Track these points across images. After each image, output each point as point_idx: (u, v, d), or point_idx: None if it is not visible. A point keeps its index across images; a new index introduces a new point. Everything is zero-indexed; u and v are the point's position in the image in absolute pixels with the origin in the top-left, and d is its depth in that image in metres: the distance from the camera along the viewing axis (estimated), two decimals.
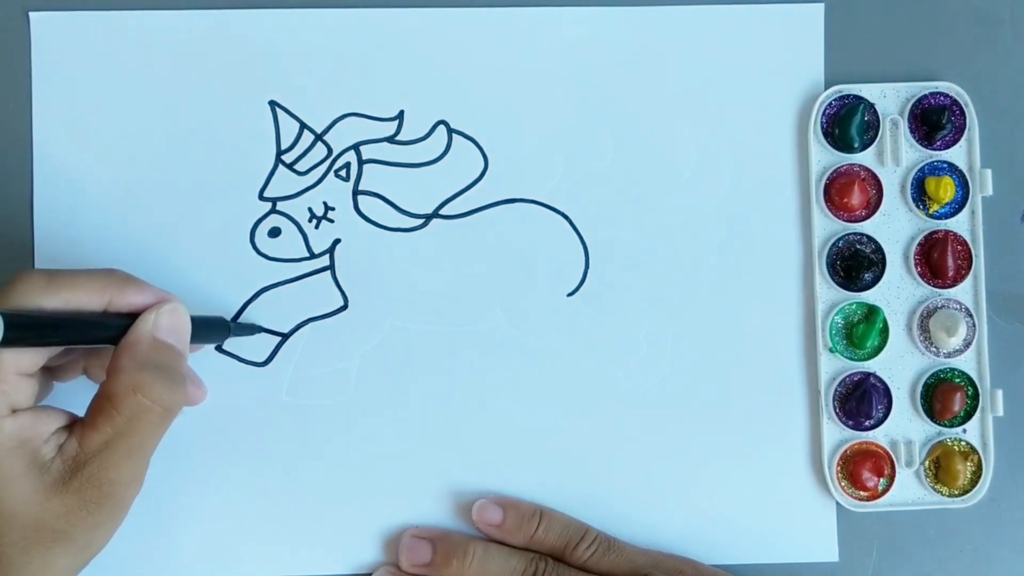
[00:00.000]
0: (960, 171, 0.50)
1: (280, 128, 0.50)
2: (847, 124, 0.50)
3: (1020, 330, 0.51)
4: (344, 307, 0.50)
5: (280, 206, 0.50)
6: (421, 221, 0.50)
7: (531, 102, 0.50)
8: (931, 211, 0.50)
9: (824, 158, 0.51)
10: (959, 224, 0.51)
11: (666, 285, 0.50)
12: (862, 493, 0.50)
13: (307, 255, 0.50)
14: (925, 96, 0.51)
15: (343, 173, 0.50)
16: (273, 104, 0.50)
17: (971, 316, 0.50)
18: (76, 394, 0.45)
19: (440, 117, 0.50)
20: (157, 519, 0.49)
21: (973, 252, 0.50)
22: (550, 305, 0.50)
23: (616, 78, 0.50)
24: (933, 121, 0.50)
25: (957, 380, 0.50)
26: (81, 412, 0.42)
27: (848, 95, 0.51)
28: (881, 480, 0.50)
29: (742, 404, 0.50)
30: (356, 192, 0.50)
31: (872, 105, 0.50)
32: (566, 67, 0.50)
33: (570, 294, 0.50)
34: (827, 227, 0.50)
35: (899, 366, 0.50)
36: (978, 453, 0.50)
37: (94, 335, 0.41)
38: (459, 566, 0.47)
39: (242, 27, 0.50)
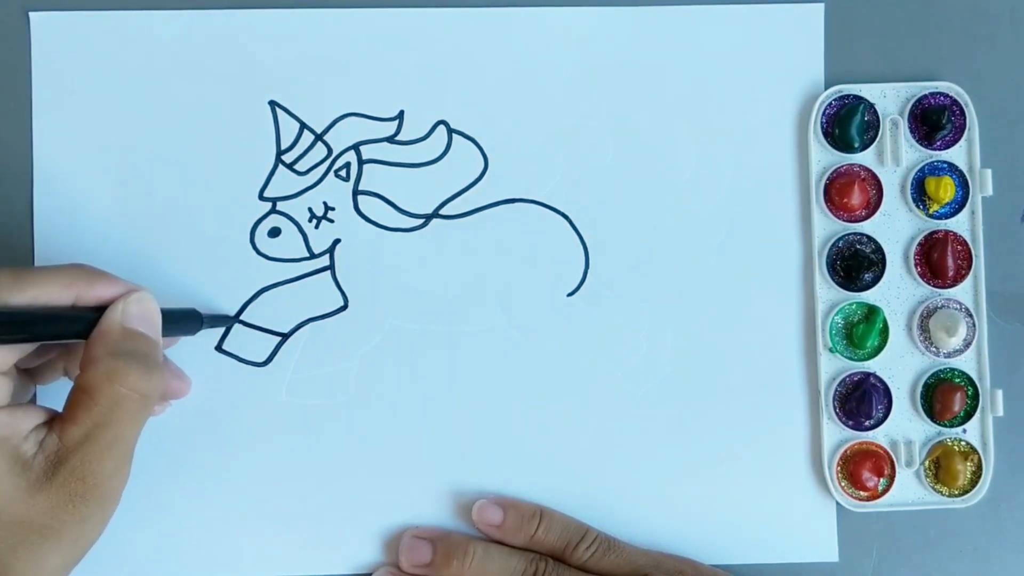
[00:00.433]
0: (960, 171, 0.50)
1: (280, 128, 0.50)
2: (847, 124, 0.50)
3: (1020, 330, 0.51)
4: (344, 307, 0.50)
5: (280, 206, 0.50)
6: (421, 221, 0.50)
7: (531, 102, 0.50)
8: (931, 211, 0.50)
9: (824, 158, 0.51)
10: (959, 224, 0.51)
11: (666, 285, 0.50)
12: (862, 493, 0.50)
13: (307, 255, 0.50)
14: (925, 96, 0.51)
15: (343, 173, 0.50)
16: (273, 104, 0.50)
17: (971, 316, 0.50)
18: (58, 396, 0.44)
19: (440, 117, 0.50)
20: (156, 519, 0.49)
21: (973, 252, 0.50)
22: (550, 305, 0.50)
23: (616, 78, 0.50)
24: (933, 121, 0.50)
25: (957, 380, 0.50)
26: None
27: (848, 95, 0.51)
28: (881, 480, 0.50)
29: (742, 404, 0.50)
30: (356, 192, 0.50)
31: (872, 105, 0.50)
32: (566, 67, 0.50)
33: (570, 294, 0.50)
34: (827, 227, 0.50)
35: (899, 366, 0.50)
36: (978, 453, 0.50)
37: (64, 330, 0.41)
38: (459, 566, 0.47)
39: (242, 27, 0.50)
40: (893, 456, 0.50)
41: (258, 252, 0.50)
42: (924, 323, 0.50)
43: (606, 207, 0.50)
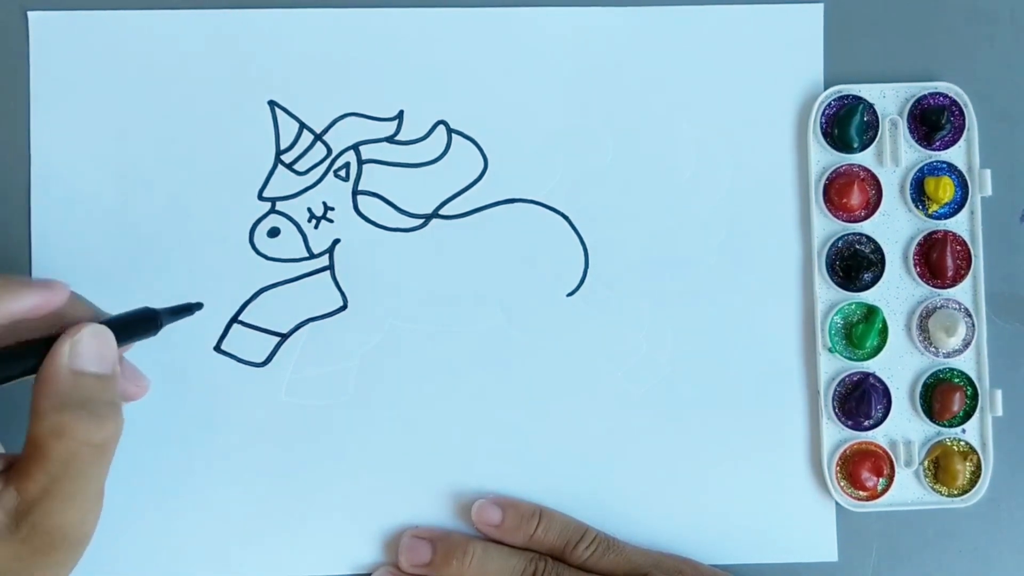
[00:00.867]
0: (959, 171, 0.51)
1: (279, 128, 0.50)
2: (846, 124, 0.50)
3: (1019, 330, 0.51)
4: (343, 307, 0.50)
5: (279, 206, 0.50)
6: (420, 221, 0.50)
7: (531, 102, 0.50)
8: (930, 211, 0.51)
9: (823, 158, 0.51)
10: (958, 224, 0.51)
11: (666, 285, 0.50)
12: (861, 493, 0.50)
13: (306, 255, 0.50)
14: (924, 96, 0.51)
15: (342, 173, 0.50)
16: (272, 104, 0.50)
17: (970, 316, 0.50)
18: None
19: (440, 117, 0.50)
20: (154, 519, 0.48)
21: (972, 252, 0.50)
22: (550, 305, 0.50)
23: (616, 78, 0.50)
24: (932, 121, 0.50)
25: (956, 380, 0.50)
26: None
27: (847, 95, 0.51)
28: (880, 480, 0.50)
29: (741, 404, 0.50)
30: (355, 192, 0.50)
31: (871, 105, 0.51)
32: (566, 67, 0.50)
33: (570, 294, 0.50)
34: (826, 227, 0.51)
35: (898, 366, 0.50)
36: (977, 453, 0.50)
37: (7, 372, 0.37)
38: (459, 566, 0.47)
39: (241, 27, 0.50)
40: (892, 456, 0.50)
41: (257, 252, 0.50)
42: (923, 323, 0.50)
43: (606, 207, 0.50)
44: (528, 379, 0.50)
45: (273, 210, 0.50)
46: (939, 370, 0.50)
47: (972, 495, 0.50)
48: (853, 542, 0.50)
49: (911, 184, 0.50)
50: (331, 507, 0.49)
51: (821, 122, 0.51)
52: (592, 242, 0.50)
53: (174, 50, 0.50)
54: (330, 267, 0.50)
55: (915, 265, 0.50)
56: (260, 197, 0.50)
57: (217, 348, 0.49)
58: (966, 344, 0.50)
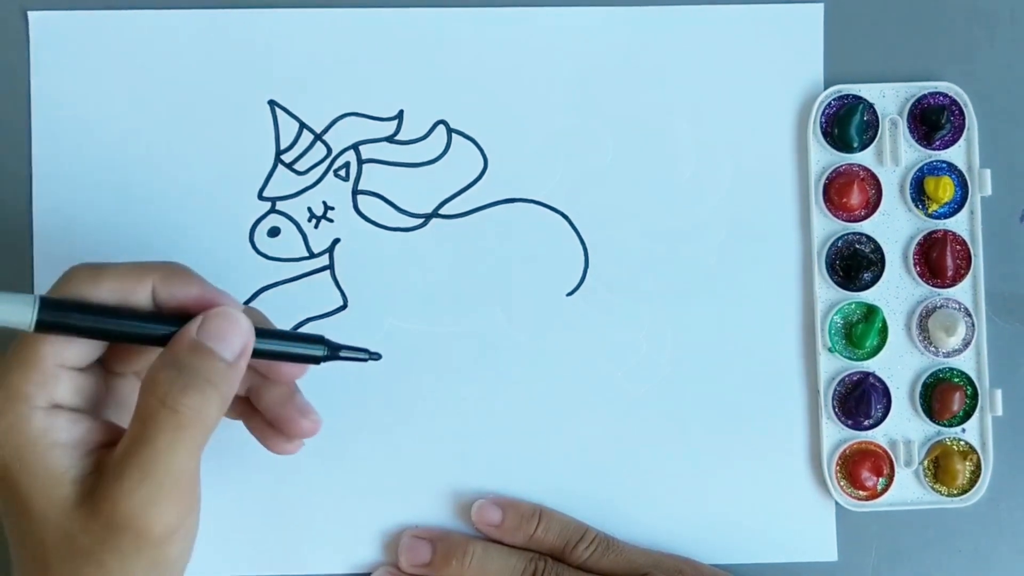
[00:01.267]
0: (959, 171, 0.51)
1: (279, 128, 0.50)
2: (846, 124, 0.50)
3: (1019, 330, 0.51)
4: (343, 306, 0.50)
5: (279, 206, 0.50)
6: (420, 221, 0.50)
7: (531, 102, 0.50)
8: (930, 211, 0.51)
9: (823, 158, 0.51)
10: (958, 224, 0.51)
11: (666, 285, 0.50)
12: (861, 493, 0.50)
13: (306, 255, 0.50)
14: (924, 96, 0.51)
15: (342, 173, 0.50)
16: (272, 103, 0.50)
17: (970, 316, 0.50)
18: None
19: (439, 117, 0.50)
20: None
21: (972, 252, 0.50)
22: (550, 305, 0.50)
23: (616, 78, 0.50)
24: (932, 121, 0.50)
25: (956, 380, 0.50)
26: None
27: (847, 95, 0.51)
28: (880, 480, 0.50)
29: (741, 404, 0.50)
30: (355, 192, 0.50)
31: (871, 105, 0.51)
32: (566, 67, 0.50)
33: (569, 294, 0.50)
34: (826, 227, 0.51)
35: (898, 366, 0.50)
36: (977, 453, 0.50)
37: (138, 332, 0.38)
38: (458, 566, 0.47)
39: (241, 26, 0.50)
40: (892, 456, 0.50)
41: (257, 251, 0.50)
42: (923, 323, 0.50)
43: (606, 207, 0.50)
44: (528, 379, 0.50)
45: (273, 210, 0.50)
46: (939, 370, 0.50)
47: (972, 495, 0.50)
48: (853, 542, 0.50)
49: (911, 184, 0.50)
50: (330, 506, 0.49)
51: (821, 122, 0.51)
52: (592, 242, 0.50)
53: (174, 50, 0.50)
54: (330, 266, 0.50)
55: (915, 265, 0.50)
56: (260, 197, 0.50)
57: None
58: (966, 344, 0.50)
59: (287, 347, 0.41)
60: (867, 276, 0.50)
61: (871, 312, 0.50)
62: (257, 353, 0.40)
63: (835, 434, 0.50)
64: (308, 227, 0.50)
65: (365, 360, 0.43)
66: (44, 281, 0.49)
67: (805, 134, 0.51)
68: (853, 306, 0.50)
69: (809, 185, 0.50)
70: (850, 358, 0.50)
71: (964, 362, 0.50)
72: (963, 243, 0.50)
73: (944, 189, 0.50)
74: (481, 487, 0.49)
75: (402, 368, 0.49)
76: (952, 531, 0.50)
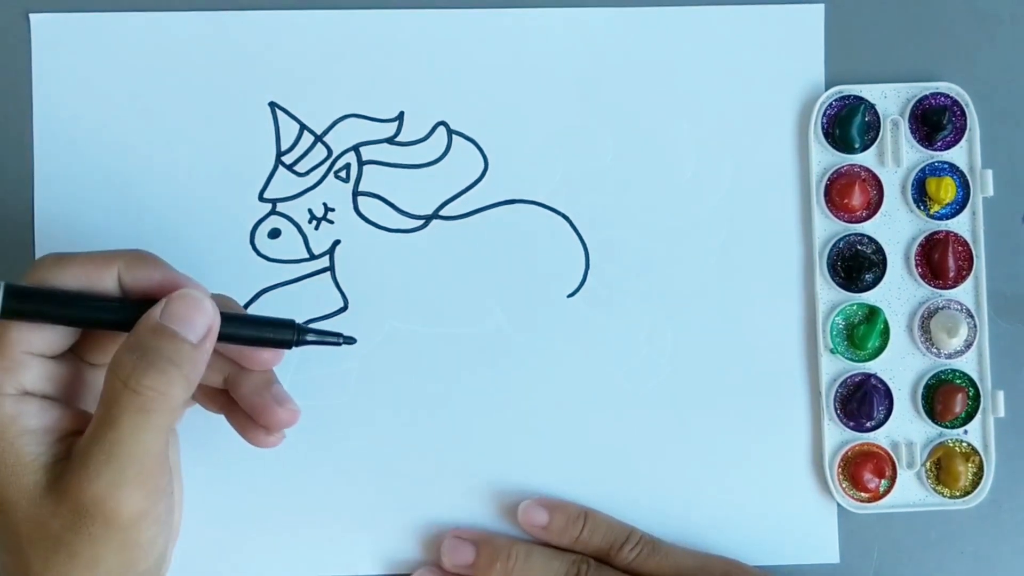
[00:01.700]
0: (961, 172, 0.50)
1: (280, 129, 0.50)
2: (848, 125, 0.50)
3: (1021, 331, 0.51)
4: (344, 308, 0.50)
5: (280, 207, 0.50)
6: (421, 222, 0.50)
7: (531, 103, 0.50)
8: (932, 212, 0.50)
9: (825, 159, 0.51)
10: (960, 225, 0.50)
11: (667, 286, 0.50)
12: (863, 494, 0.50)
13: (307, 256, 0.50)
14: (926, 96, 0.50)
15: (343, 174, 0.50)
16: (273, 105, 0.50)
17: (972, 317, 0.50)
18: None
19: (440, 118, 0.50)
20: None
21: (974, 253, 0.50)
22: (550, 306, 0.50)
23: (616, 79, 0.50)
24: (934, 121, 0.50)
25: (958, 381, 0.50)
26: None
27: (848, 96, 0.51)
28: (882, 481, 0.50)
29: (742, 405, 0.50)
30: (356, 193, 0.50)
31: (873, 106, 0.50)
32: (566, 68, 0.50)
33: (570, 295, 0.50)
34: (828, 228, 0.50)
35: (900, 367, 0.50)
36: (979, 454, 0.50)
37: (102, 317, 0.38)
38: (502, 569, 0.47)
39: (242, 29, 0.50)
40: (894, 457, 0.50)
41: (258, 253, 0.50)
42: (925, 324, 0.50)
43: (606, 208, 0.50)
44: (528, 380, 0.50)
45: (274, 211, 0.50)
46: (941, 371, 0.50)
47: (974, 496, 0.50)
48: (855, 544, 0.50)
49: (912, 184, 0.50)
50: (330, 508, 0.49)
51: (822, 122, 0.50)
52: (593, 243, 0.50)
53: (175, 52, 0.50)
54: (331, 268, 0.50)
55: (917, 266, 0.50)
56: (261, 198, 0.50)
57: None
58: (968, 345, 0.50)
59: (255, 332, 0.41)
60: (869, 277, 0.50)
61: (873, 313, 0.50)
62: (224, 337, 0.40)
63: (837, 436, 0.50)
64: (309, 229, 0.50)
65: (338, 344, 0.43)
66: None
67: (806, 135, 0.50)
68: (855, 307, 0.50)
69: (810, 186, 0.50)
70: (852, 359, 0.50)
71: (966, 363, 0.50)
72: (965, 244, 0.50)
73: (946, 190, 0.50)
74: (479, 486, 0.49)
75: (402, 370, 0.49)
76: (954, 533, 0.50)
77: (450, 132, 0.50)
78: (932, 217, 0.50)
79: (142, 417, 0.37)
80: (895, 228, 0.51)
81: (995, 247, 0.51)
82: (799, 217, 0.51)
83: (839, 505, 0.50)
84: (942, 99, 0.50)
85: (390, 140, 0.50)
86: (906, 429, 0.50)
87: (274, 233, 0.50)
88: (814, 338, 0.50)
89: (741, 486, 0.50)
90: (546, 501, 0.49)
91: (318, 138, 0.50)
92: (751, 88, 0.51)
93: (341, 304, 0.50)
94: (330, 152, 0.50)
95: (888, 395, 0.50)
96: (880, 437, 0.50)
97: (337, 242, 0.50)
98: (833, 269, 0.50)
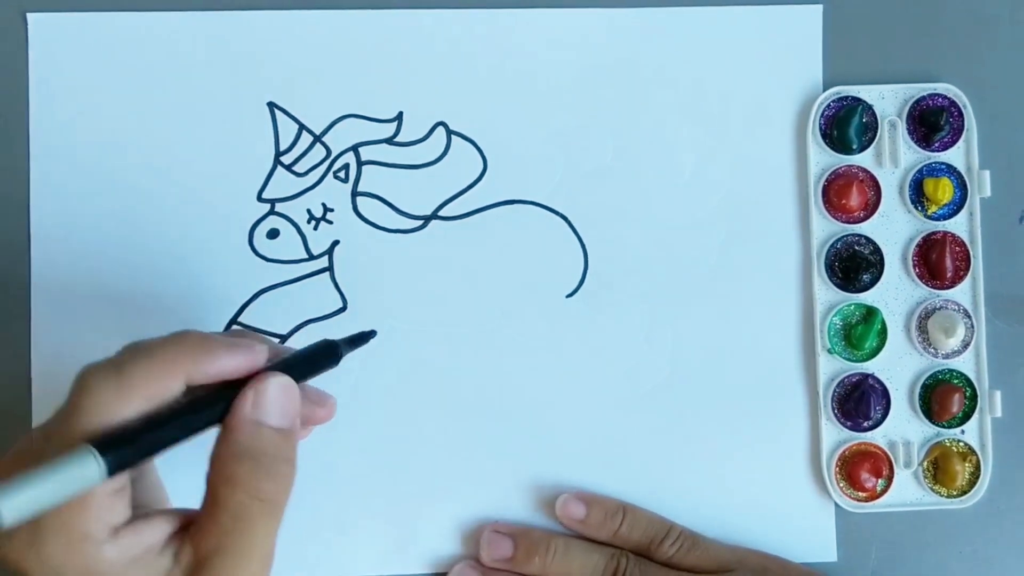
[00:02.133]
0: (958, 172, 0.51)
1: (279, 129, 0.50)
2: (845, 125, 0.50)
3: (1018, 331, 0.51)
4: (343, 308, 0.50)
5: (279, 207, 0.50)
6: (420, 222, 0.50)
7: (530, 103, 0.50)
8: (929, 212, 0.51)
9: (822, 159, 0.51)
10: (957, 225, 0.51)
11: (665, 286, 0.50)
12: (860, 494, 0.50)
13: (306, 256, 0.50)
14: (923, 97, 0.51)
15: (342, 174, 0.50)
16: (272, 105, 0.50)
17: (969, 317, 0.50)
18: None
19: (439, 118, 0.50)
20: None
21: (971, 253, 0.50)
22: (549, 306, 0.50)
23: (615, 80, 0.50)
24: (931, 122, 0.50)
25: (955, 381, 0.50)
26: None
27: (846, 96, 0.51)
28: (879, 481, 0.50)
29: (741, 405, 0.50)
30: (355, 193, 0.50)
31: (870, 106, 0.51)
32: (565, 68, 0.50)
33: (569, 295, 0.50)
34: (825, 228, 0.51)
35: (897, 367, 0.50)
36: (976, 454, 0.50)
37: (191, 427, 0.36)
38: (541, 562, 0.47)
39: (240, 29, 0.50)
40: (891, 457, 0.50)
41: (257, 254, 0.50)
42: (922, 324, 0.50)
43: (605, 208, 0.50)
44: (527, 380, 0.50)
45: (272, 211, 0.50)
46: (938, 371, 0.50)
47: (971, 496, 0.50)
48: (852, 543, 0.50)
49: (910, 185, 0.51)
50: (329, 510, 0.49)
51: (820, 123, 0.51)
52: (592, 243, 0.50)
53: (173, 52, 0.49)
54: (329, 268, 0.50)
55: (914, 266, 0.50)
56: (259, 198, 0.50)
57: None
58: (965, 345, 0.50)
59: (310, 369, 0.40)
60: (866, 277, 0.50)
61: (870, 313, 0.50)
62: None
63: (834, 435, 0.50)
64: (307, 229, 0.50)
65: (368, 341, 0.43)
66: (40, 281, 0.49)
67: (804, 136, 0.51)
68: (852, 307, 0.50)
69: (808, 186, 0.50)
70: (849, 359, 0.50)
71: (963, 363, 0.50)
72: (962, 244, 0.50)
73: (943, 190, 0.50)
74: (477, 486, 0.49)
75: (401, 370, 0.49)
76: (951, 532, 0.50)
77: (449, 132, 0.50)
78: (930, 218, 0.51)
79: (272, 520, 0.37)
80: (893, 229, 0.51)
81: (992, 248, 0.51)
82: (797, 217, 0.51)
83: (836, 504, 0.50)
84: (940, 100, 0.51)
85: (389, 140, 0.50)
86: (903, 429, 0.50)
87: (273, 233, 0.50)
88: (812, 338, 0.50)
89: (739, 485, 0.50)
90: (583, 495, 0.49)
91: (317, 138, 0.50)
92: (749, 89, 0.51)
93: (340, 304, 0.50)
94: (329, 152, 0.50)
95: (885, 395, 0.50)
96: (877, 437, 0.50)
97: (336, 242, 0.50)
98: (831, 269, 0.50)
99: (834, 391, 0.50)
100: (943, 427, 0.50)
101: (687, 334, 0.50)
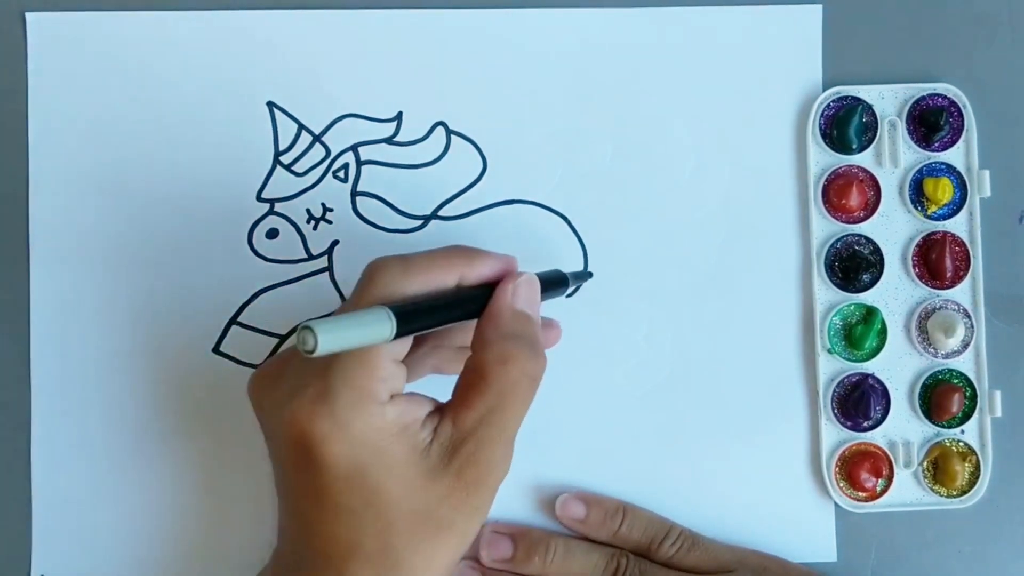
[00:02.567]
0: (958, 172, 0.51)
1: (278, 129, 0.50)
2: (845, 125, 0.50)
3: (1018, 331, 0.51)
4: None
5: (278, 207, 0.50)
6: (420, 222, 0.50)
7: (530, 103, 0.50)
8: (929, 212, 0.51)
9: (822, 159, 0.51)
10: (957, 225, 0.51)
11: (665, 286, 0.50)
12: (860, 494, 0.50)
13: (305, 256, 0.50)
14: (923, 97, 0.51)
15: (341, 174, 0.50)
16: (271, 105, 0.50)
17: (969, 317, 0.50)
18: None
19: (439, 118, 0.50)
20: (162, 520, 0.48)
21: (971, 253, 0.50)
22: (549, 307, 0.50)
23: (615, 79, 0.50)
24: (931, 122, 0.50)
25: (955, 381, 0.50)
26: None
27: (846, 96, 0.51)
28: (879, 481, 0.50)
29: (740, 405, 0.50)
30: (354, 193, 0.50)
31: (870, 106, 0.51)
32: (565, 68, 0.50)
33: (569, 295, 0.50)
34: (825, 228, 0.51)
35: (897, 367, 0.50)
36: (976, 454, 0.50)
37: (457, 313, 0.41)
38: (541, 562, 0.47)
39: (240, 28, 0.50)
40: (891, 457, 0.50)
41: (256, 253, 0.49)
42: (922, 324, 0.50)
43: (605, 208, 0.50)
44: None
45: (272, 211, 0.50)
46: (938, 371, 0.50)
47: (971, 496, 0.50)
48: (852, 543, 0.50)
49: (910, 185, 0.51)
50: None
51: (820, 123, 0.51)
52: (591, 243, 0.50)
53: (172, 51, 0.49)
54: (329, 268, 0.50)
55: (914, 266, 0.50)
56: (259, 198, 0.50)
57: (216, 350, 0.49)
58: (965, 345, 0.50)
59: (543, 289, 0.44)
60: (866, 277, 0.50)
61: (870, 313, 0.50)
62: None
63: (834, 435, 0.50)
64: (307, 229, 0.50)
65: (587, 280, 0.50)
66: (40, 283, 0.49)
67: (804, 136, 0.51)
68: (852, 307, 0.50)
69: (808, 186, 0.50)
70: (849, 359, 0.50)
71: (963, 363, 0.50)
72: (962, 244, 0.50)
73: (943, 190, 0.50)
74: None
75: None
76: (951, 532, 0.50)
77: (449, 132, 0.50)
78: (929, 218, 0.51)
79: (528, 401, 0.41)
80: (892, 228, 0.51)
81: (992, 248, 0.51)
82: (797, 217, 0.51)
83: (836, 504, 0.50)
84: (940, 100, 0.51)
85: (389, 140, 0.50)
86: (903, 429, 0.50)
87: (272, 233, 0.49)
88: (812, 338, 0.50)
89: (739, 485, 0.50)
90: (583, 495, 0.49)
91: (316, 138, 0.50)
92: (749, 88, 0.51)
93: (340, 304, 0.49)
94: (328, 152, 0.50)
95: (885, 395, 0.50)
96: (877, 437, 0.50)
97: (335, 242, 0.50)
98: (831, 269, 0.50)
99: (834, 391, 0.50)
100: (943, 427, 0.50)
101: (687, 334, 0.50)
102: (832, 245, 0.50)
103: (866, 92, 0.51)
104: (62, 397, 0.49)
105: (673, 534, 0.48)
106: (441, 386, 0.42)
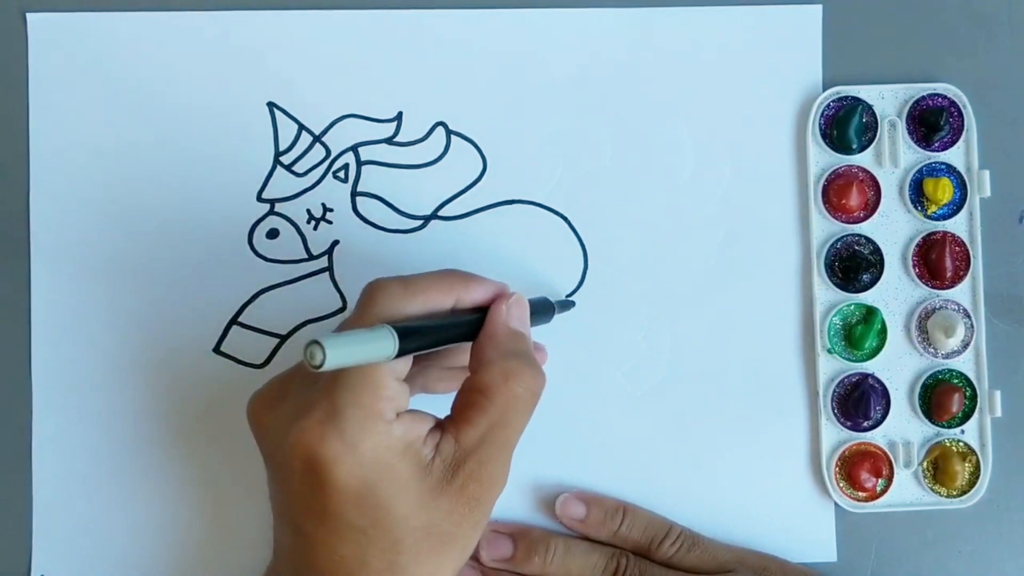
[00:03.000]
0: (958, 172, 0.51)
1: (278, 129, 0.50)
2: (845, 125, 0.50)
3: (1018, 331, 0.51)
4: (343, 309, 0.50)
5: (278, 207, 0.50)
6: (420, 223, 0.50)
7: (530, 103, 0.50)
8: (929, 212, 0.51)
9: (822, 159, 0.51)
10: (957, 225, 0.51)
11: (665, 286, 0.50)
12: (860, 494, 0.50)
13: (305, 256, 0.50)
14: (923, 97, 0.51)
15: (341, 174, 0.50)
16: (271, 105, 0.50)
17: (969, 317, 0.50)
18: None
19: (439, 118, 0.50)
20: (159, 520, 0.48)
21: (971, 253, 0.50)
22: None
23: (615, 79, 0.50)
24: (931, 122, 0.50)
25: (955, 381, 0.50)
26: None
27: (846, 96, 0.51)
28: (879, 481, 0.50)
29: (740, 405, 0.50)
30: (355, 193, 0.50)
31: (870, 106, 0.51)
32: (565, 68, 0.50)
33: (569, 295, 0.50)
34: (825, 228, 0.51)
35: (897, 367, 0.50)
36: (976, 454, 0.50)
37: (455, 333, 0.42)
38: (540, 562, 0.47)
39: (240, 29, 0.50)
40: (891, 457, 0.50)
41: (256, 253, 0.50)
42: (922, 324, 0.50)
43: (605, 208, 0.50)
44: None
45: (272, 211, 0.50)
46: (938, 371, 0.50)
47: (971, 496, 0.50)
48: (852, 543, 0.50)
49: (910, 185, 0.51)
50: None
51: (820, 123, 0.51)
52: (591, 243, 0.50)
53: (173, 52, 0.49)
54: (329, 268, 0.50)
55: (914, 266, 0.50)
56: (259, 198, 0.50)
57: (216, 350, 0.49)
58: (965, 345, 0.50)
59: (531, 314, 0.45)
60: (866, 277, 0.50)
61: (870, 313, 0.50)
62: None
63: (834, 435, 0.50)
64: (307, 229, 0.50)
65: (569, 309, 0.50)
66: (40, 283, 0.49)
67: (804, 136, 0.51)
68: (852, 307, 0.50)
69: (808, 186, 0.50)
70: (849, 359, 0.50)
71: (963, 363, 0.50)
72: (962, 244, 0.50)
73: (943, 190, 0.50)
74: None
75: None
76: (951, 532, 0.50)
77: (449, 132, 0.50)
78: (929, 218, 0.51)
79: (528, 416, 0.41)
80: (892, 228, 0.51)
81: (992, 247, 0.51)
82: (797, 218, 0.51)
83: (836, 504, 0.50)
84: (940, 100, 0.51)
85: (389, 140, 0.50)
86: (903, 429, 0.50)
87: (272, 233, 0.50)
88: (812, 338, 0.50)
89: (739, 485, 0.50)
90: (583, 495, 0.49)
91: (316, 138, 0.50)
92: (749, 89, 0.51)
93: (340, 304, 0.50)
94: (328, 152, 0.50)
95: (885, 395, 0.50)
96: (877, 437, 0.50)
97: (336, 242, 0.50)
98: (831, 269, 0.50)
99: (834, 391, 0.50)
100: (943, 427, 0.50)
101: (687, 334, 0.50)
102: (832, 245, 0.50)
103: (866, 92, 0.51)
104: (62, 397, 0.49)
105: (673, 534, 0.48)
106: (430, 403, 0.42)
